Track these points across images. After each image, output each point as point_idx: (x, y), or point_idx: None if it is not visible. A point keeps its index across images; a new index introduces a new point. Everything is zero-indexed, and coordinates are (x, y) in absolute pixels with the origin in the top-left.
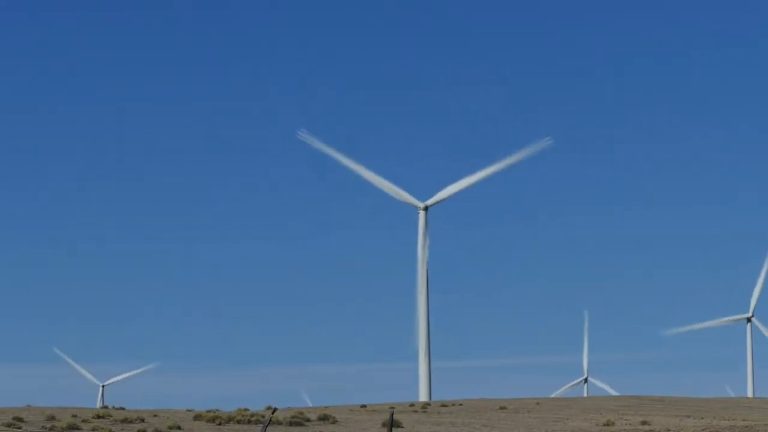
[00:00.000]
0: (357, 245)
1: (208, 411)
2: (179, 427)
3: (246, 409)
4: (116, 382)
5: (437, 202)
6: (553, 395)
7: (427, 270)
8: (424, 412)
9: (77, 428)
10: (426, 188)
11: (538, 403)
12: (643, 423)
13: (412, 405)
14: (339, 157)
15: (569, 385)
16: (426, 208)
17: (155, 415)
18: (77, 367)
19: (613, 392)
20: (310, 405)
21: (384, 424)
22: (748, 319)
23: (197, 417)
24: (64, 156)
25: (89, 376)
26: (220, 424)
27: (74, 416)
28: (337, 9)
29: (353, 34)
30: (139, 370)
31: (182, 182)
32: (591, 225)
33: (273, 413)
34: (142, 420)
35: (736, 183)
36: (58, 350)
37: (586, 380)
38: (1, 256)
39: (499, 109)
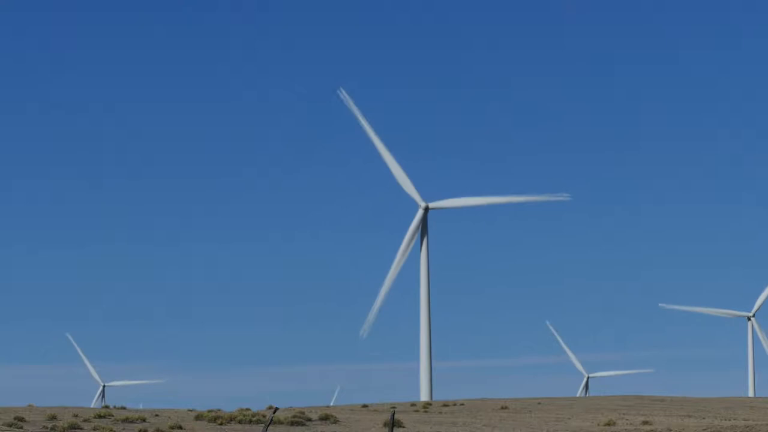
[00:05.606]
0: (358, 245)
1: (210, 411)
2: (180, 427)
3: (247, 409)
4: (119, 386)
5: (439, 208)
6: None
7: (428, 269)
8: (426, 411)
9: (78, 428)
10: (428, 186)
11: (539, 403)
12: (645, 423)
13: (413, 405)
14: (368, 128)
15: (580, 389)
16: (427, 209)
17: (156, 415)
18: (85, 360)
19: (618, 372)
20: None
21: (385, 424)
22: (748, 318)
23: (198, 417)
24: (67, 156)
25: (94, 373)
26: (221, 424)
27: (75, 416)
28: (337, 9)
29: (352, 33)
30: (143, 381)
31: (183, 182)
32: (591, 224)
33: (274, 413)
34: (144, 420)
35: (739, 182)
36: (70, 337)
37: (587, 381)
38: (3, 257)
39: (500, 109)
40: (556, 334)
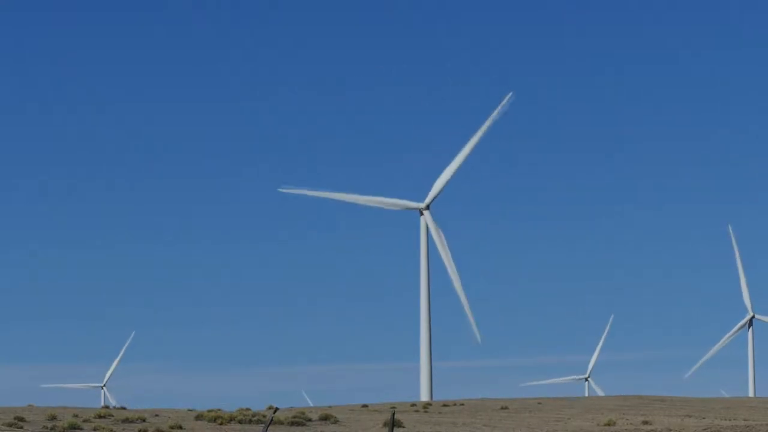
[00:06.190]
0: (358, 245)
1: (210, 411)
2: (181, 427)
3: (247, 409)
4: (111, 374)
5: (435, 198)
6: (548, 381)
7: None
8: (426, 412)
9: (78, 428)
10: (423, 187)
11: (539, 403)
12: (645, 423)
13: (413, 405)
14: (329, 195)
15: (567, 378)
16: (428, 207)
17: (156, 415)
18: (73, 385)
19: (601, 393)
20: (311, 404)
21: (385, 424)
22: (749, 323)
23: (199, 417)
24: (64, 157)
25: (89, 385)
26: (221, 423)
27: (75, 416)
28: (336, 9)
29: (352, 33)
30: (120, 352)
31: (182, 182)
32: (591, 225)
33: (274, 413)
34: (144, 420)
35: (739, 182)
36: (47, 385)
37: (587, 379)
38: (5, 256)
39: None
40: (607, 329)
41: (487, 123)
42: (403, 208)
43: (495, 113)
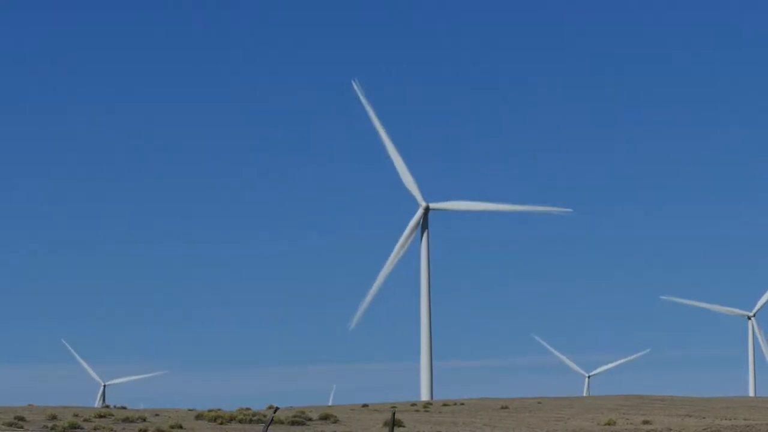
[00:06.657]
0: (358, 245)
1: (210, 410)
2: (181, 427)
3: (247, 409)
4: (120, 383)
5: (439, 210)
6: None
7: (429, 269)
8: (426, 411)
9: (79, 428)
10: (429, 187)
11: (539, 403)
12: (645, 422)
13: (413, 404)
14: (376, 121)
15: (572, 365)
16: (427, 209)
17: (157, 415)
18: (82, 362)
19: (616, 363)
20: (331, 403)
21: (385, 424)
22: (749, 317)
23: (199, 416)
24: (66, 156)
25: (93, 373)
26: (221, 423)
27: (76, 415)
28: (336, 9)
29: (352, 33)
30: (146, 375)
31: (183, 182)
32: (591, 224)
33: (275, 413)
34: (144, 419)
35: (739, 182)
36: (65, 342)
37: (588, 377)
38: (5, 256)
39: (499, 110)
40: (546, 344)
41: (539, 209)
42: (411, 192)
43: (554, 209)
